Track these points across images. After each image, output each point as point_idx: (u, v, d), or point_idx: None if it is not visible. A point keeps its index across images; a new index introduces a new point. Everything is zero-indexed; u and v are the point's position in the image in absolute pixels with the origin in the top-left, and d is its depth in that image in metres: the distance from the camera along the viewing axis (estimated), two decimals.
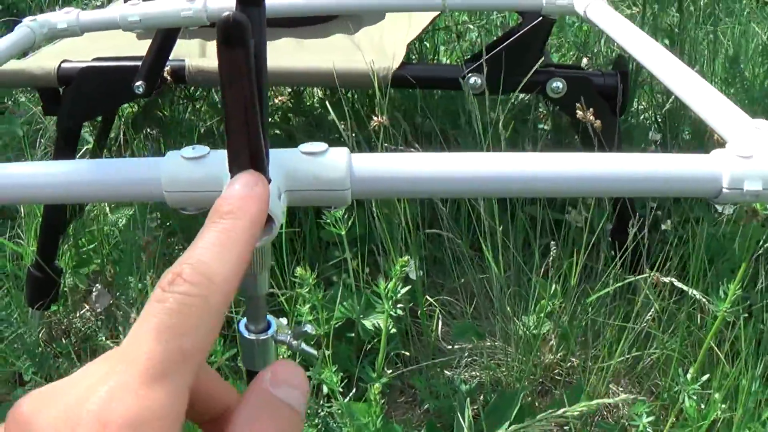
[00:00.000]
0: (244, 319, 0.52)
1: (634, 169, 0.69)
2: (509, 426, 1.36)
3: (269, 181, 0.41)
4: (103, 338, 1.66)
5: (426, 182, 0.65)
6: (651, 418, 1.27)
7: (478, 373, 1.54)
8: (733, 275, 1.45)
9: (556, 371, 1.53)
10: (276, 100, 1.91)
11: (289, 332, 0.59)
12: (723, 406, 1.32)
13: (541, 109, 2.21)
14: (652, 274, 1.29)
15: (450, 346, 1.58)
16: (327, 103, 1.66)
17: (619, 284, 1.39)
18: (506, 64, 1.44)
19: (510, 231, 1.59)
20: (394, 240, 1.47)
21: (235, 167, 0.41)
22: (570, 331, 1.48)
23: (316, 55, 1.61)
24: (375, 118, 1.42)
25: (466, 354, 1.57)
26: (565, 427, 1.42)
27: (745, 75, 2.32)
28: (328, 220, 1.35)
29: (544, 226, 1.59)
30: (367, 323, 1.51)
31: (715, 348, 1.32)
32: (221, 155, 0.54)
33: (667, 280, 1.26)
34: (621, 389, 1.51)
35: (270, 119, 2.08)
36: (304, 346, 0.62)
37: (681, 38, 2.10)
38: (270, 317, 0.53)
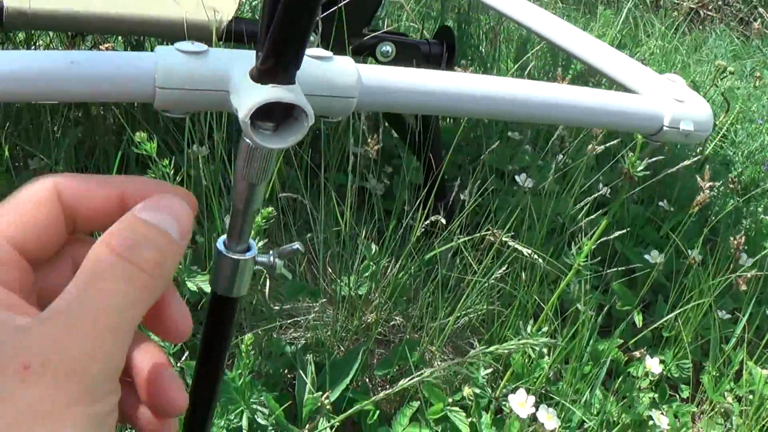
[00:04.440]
0: (224, 237, 0.48)
1: (588, 102, 0.75)
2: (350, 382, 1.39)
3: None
4: None
5: (432, 97, 0.67)
6: (489, 371, 1.36)
7: (302, 334, 1.55)
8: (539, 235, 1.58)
9: (379, 331, 1.58)
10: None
11: (273, 253, 0.54)
12: (547, 359, 1.44)
13: None
14: (492, 231, 1.37)
15: (276, 307, 1.57)
16: None
17: (462, 240, 1.46)
18: (338, 25, 1.47)
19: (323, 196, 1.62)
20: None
21: (273, 61, 0.39)
22: (394, 290, 1.54)
23: (137, 1, 1.53)
24: None
25: (285, 315, 1.57)
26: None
27: None
28: None
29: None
30: (191, 285, 1.47)
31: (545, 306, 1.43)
32: (224, 53, 0.52)
33: (506, 238, 1.34)
34: (435, 348, 1.59)
35: None
36: (282, 270, 0.59)
37: None
38: (251, 241, 0.50)
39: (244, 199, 0.46)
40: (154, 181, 0.39)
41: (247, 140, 0.41)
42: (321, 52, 0.58)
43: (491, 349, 0.97)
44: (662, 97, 0.83)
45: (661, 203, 2.04)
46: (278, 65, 0.40)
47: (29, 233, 0.36)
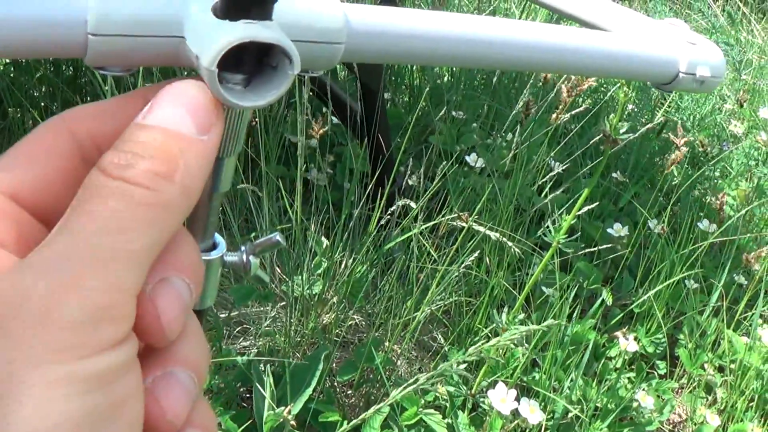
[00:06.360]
0: None
1: (601, 46, 0.64)
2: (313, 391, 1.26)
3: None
4: None
5: (437, 43, 0.55)
6: (463, 366, 1.24)
7: (253, 342, 1.41)
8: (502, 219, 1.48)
9: (336, 332, 1.45)
10: None
11: (245, 249, 0.43)
12: (522, 349, 1.33)
13: None
14: (459, 214, 1.26)
15: (223, 315, 1.43)
16: None
17: (420, 228, 1.34)
18: None
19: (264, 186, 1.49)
20: None
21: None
22: (350, 287, 1.41)
23: None
24: None
25: (233, 322, 1.44)
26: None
27: None
28: None
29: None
30: None
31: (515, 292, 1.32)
32: None
33: (473, 222, 1.23)
34: (398, 346, 1.47)
35: None
36: (258, 271, 0.46)
37: None
38: (217, 236, 0.39)
39: (209, 179, 0.34)
40: (185, 81, 0.29)
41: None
42: None
43: (470, 355, 0.85)
44: (675, 40, 0.72)
45: (614, 174, 1.95)
46: None
47: (30, 182, 0.29)
